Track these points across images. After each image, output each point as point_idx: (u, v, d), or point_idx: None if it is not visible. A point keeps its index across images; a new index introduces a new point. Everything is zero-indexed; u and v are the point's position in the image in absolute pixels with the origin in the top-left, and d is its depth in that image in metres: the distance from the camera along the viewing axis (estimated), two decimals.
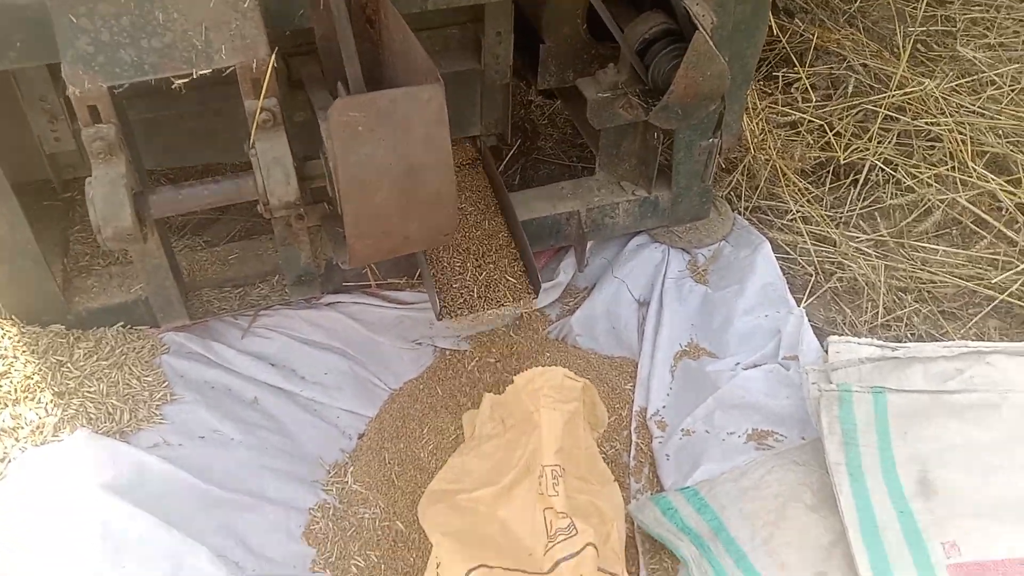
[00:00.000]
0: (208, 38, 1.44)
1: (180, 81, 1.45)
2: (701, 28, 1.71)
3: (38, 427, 1.69)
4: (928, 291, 2.13)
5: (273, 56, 1.46)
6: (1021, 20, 3.01)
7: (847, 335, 1.97)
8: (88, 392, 1.74)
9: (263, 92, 1.47)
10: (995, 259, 2.19)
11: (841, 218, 2.33)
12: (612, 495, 1.60)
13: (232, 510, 1.69)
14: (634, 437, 1.93)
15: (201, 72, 1.44)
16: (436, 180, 1.42)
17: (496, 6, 1.84)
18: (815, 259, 2.20)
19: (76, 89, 1.40)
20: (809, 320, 2.01)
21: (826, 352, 1.92)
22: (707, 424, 1.89)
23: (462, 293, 1.92)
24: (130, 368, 1.80)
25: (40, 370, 1.75)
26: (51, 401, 1.72)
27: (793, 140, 2.46)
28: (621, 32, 1.82)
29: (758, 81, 2.69)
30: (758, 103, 2.52)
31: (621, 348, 2.11)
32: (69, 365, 1.77)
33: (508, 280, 1.93)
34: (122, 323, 1.87)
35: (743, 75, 2.03)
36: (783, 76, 2.71)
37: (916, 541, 1.50)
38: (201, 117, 1.82)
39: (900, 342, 1.95)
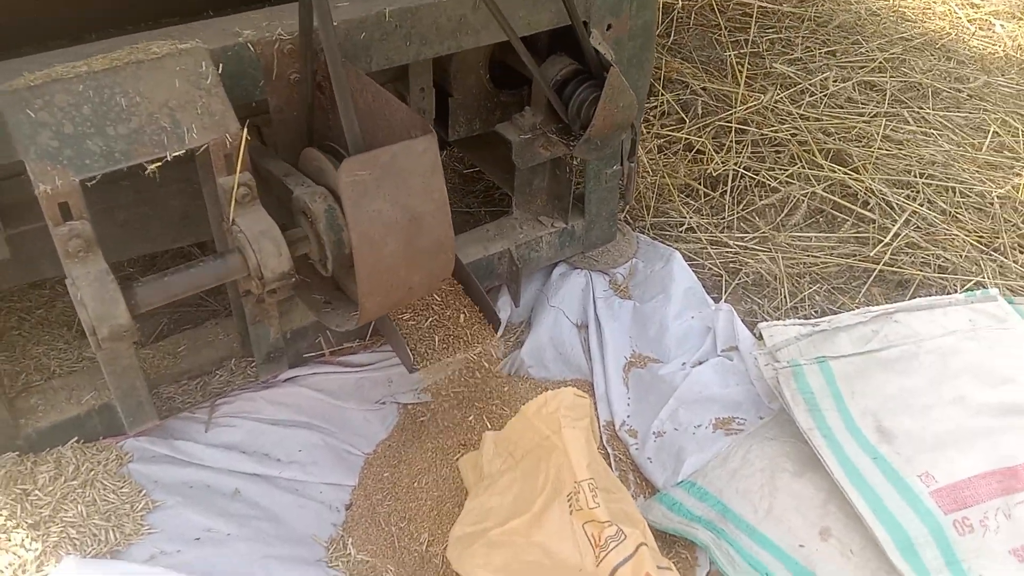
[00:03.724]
0: (176, 119, 1.41)
1: (153, 166, 1.40)
2: (614, 64, 1.88)
3: (19, 567, 1.53)
4: (817, 273, 2.40)
5: (245, 130, 1.45)
6: (809, 37, 3.48)
7: (771, 320, 2.19)
8: (65, 517, 1.60)
9: (238, 166, 1.46)
10: (860, 237, 2.51)
11: (724, 223, 2.58)
12: (631, 500, 1.68)
13: None
14: (609, 449, 2.03)
15: (175, 154, 1.41)
16: (436, 227, 1.47)
17: (418, 65, 1.92)
18: (718, 261, 2.42)
19: (46, 187, 1.32)
20: None
21: (759, 338, 2.13)
22: (674, 423, 2.02)
23: (425, 342, 1.95)
24: (102, 483, 1.67)
25: (6, 504, 1.59)
26: (27, 536, 1.56)
27: (669, 160, 2.70)
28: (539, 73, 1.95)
29: None
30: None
31: (572, 371, 2.21)
32: (37, 492, 1.62)
33: (467, 322, 1.98)
34: (76, 439, 1.74)
35: (638, 104, 2.22)
36: None
37: (896, 478, 1.70)
38: (135, 207, 1.75)
39: (814, 319, 2.19)
